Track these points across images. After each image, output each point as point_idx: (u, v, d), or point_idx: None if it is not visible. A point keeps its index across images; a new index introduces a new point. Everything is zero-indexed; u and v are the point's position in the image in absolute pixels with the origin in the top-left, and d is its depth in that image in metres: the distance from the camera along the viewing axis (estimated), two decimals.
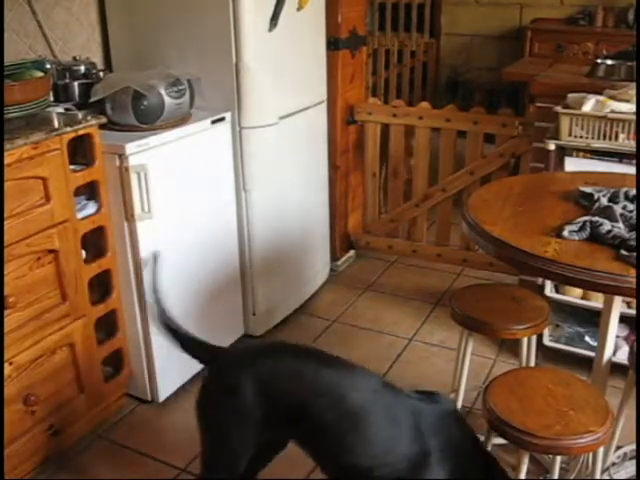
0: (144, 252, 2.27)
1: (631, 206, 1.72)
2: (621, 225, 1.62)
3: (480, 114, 3.16)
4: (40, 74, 2.10)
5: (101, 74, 2.41)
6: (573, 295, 2.61)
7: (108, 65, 2.71)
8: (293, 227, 2.98)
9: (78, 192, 2.10)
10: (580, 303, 2.61)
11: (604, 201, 1.74)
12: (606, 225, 1.60)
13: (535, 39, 4.77)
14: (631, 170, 2.22)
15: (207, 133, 2.45)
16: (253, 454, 1.69)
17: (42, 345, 2.05)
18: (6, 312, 1.90)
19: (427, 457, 1.59)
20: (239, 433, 1.65)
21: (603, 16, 4.67)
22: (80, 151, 2.11)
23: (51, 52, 2.51)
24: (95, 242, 2.21)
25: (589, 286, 1.54)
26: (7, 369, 1.94)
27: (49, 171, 1.95)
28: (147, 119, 2.26)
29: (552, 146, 2.42)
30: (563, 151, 2.43)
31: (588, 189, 1.83)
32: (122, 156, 2.14)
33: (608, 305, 1.87)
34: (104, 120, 2.15)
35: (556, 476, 1.89)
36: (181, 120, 2.36)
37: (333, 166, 3.29)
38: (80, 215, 2.11)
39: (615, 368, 2.05)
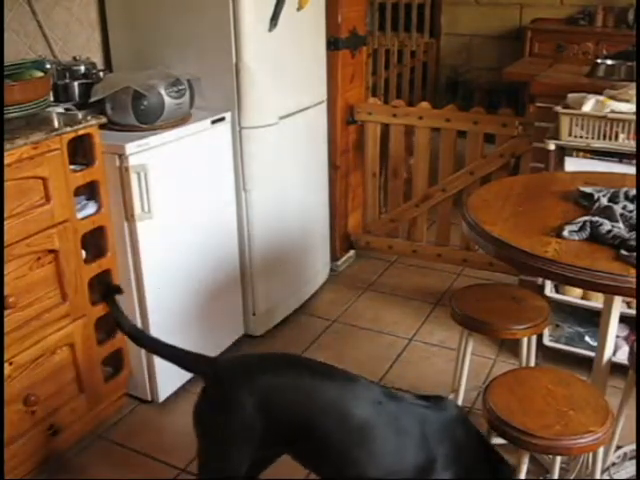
0: (144, 252, 2.27)
1: (631, 206, 1.72)
2: (621, 225, 1.62)
3: (480, 114, 3.16)
4: (40, 74, 2.10)
5: (101, 74, 2.41)
6: (573, 295, 2.61)
7: (108, 65, 2.71)
8: (293, 227, 2.98)
9: (78, 192, 2.10)
10: (580, 303, 2.61)
11: (604, 201, 1.74)
12: (606, 225, 1.60)
13: (535, 39, 4.77)
14: (631, 170, 2.22)
15: (207, 133, 2.45)
16: (250, 464, 1.67)
17: (42, 345, 2.05)
18: (6, 312, 1.90)
19: (433, 464, 1.59)
20: (238, 449, 1.62)
21: (603, 16, 4.66)
22: (80, 151, 2.11)
23: (51, 52, 2.51)
24: (95, 242, 2.21)
25: (589, 286, 1.54)
26: (7, 369, 1.94)
27: (49, 171, 1.95)
28: (147, 119, 2.26)
29: (552, 146, 2.42)
30: (563, 151, 2.43)
31: (588, 189, 1.83)
32: (122, 156, 2.14)
33: (608, 305, 1.87)
34: (104, 120, 2.15)
35: (556, 476, 1.89)
36: (181, 120, 2.36)
37: (333, 166, 3.29)
38: (80, 215, 2.11)
39: (615, 368, 2.04)
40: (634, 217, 1.65)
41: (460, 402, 2.17)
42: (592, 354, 2.19)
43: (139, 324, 2.36)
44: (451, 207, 3.32)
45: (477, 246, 1.93)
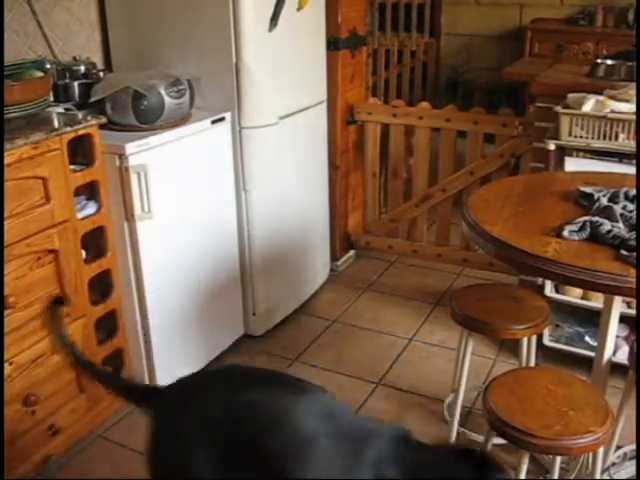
0: (144, 252, 2.27)
1: (631, 206, 1.72)
2: (621, 225, 1.62)
3: (480, 114, 3.16)
4: (40, 74, 2.10)
5: (101, 74, 2.41)
6: (573, 295, 2.61)
7: (108, 65, 2.71)
8: (293, 227, 2.98)
9: (78, 192, 2.10)
10: (580, 303, 2.61)
11: (604, 201, 1.74)
12: (606, 225, 1.60)
13: (535, 39, 4.77)
14: (631, 170, 2.22)
15: (207, 133, 2.45)
16: None
17: (42, 345, 2.04)
18: (6, 312, 1.90)
19: None
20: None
21: (603, 16, 4.66)
22: (80, 151, 2.10)
23: (51, 52, 2.51)
24: (95, 242, 2.21)
25: (589, 286, 1.54)
26: (7, 369, 1.94)
27: (49, 171, 1.95)
28: (147, 119, 2.26)
29: (552, 146, 2.42)
30: (563, 151, 2.43)
31: (588, 189, 1.83)
32: (122, 156, 2.14)
33: (608, 305, 1.87)
34: (104, 120, 2.15)
35: (556, 476, 1.89)
36: (181, 120, 2.36)
37: (333, 166, 3.29)
38: (80, 215, 2.11)
39: (615, 368, 2.05)
40: (634, 217, 1.66)
41: (460, 402, 2.17)
42: (592, 354, 2.19)
43: (139, 324, 2.37)
44: (451, 207, 3.32)
45: (477, 246, 1.93)
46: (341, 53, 3.14)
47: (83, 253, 2.15)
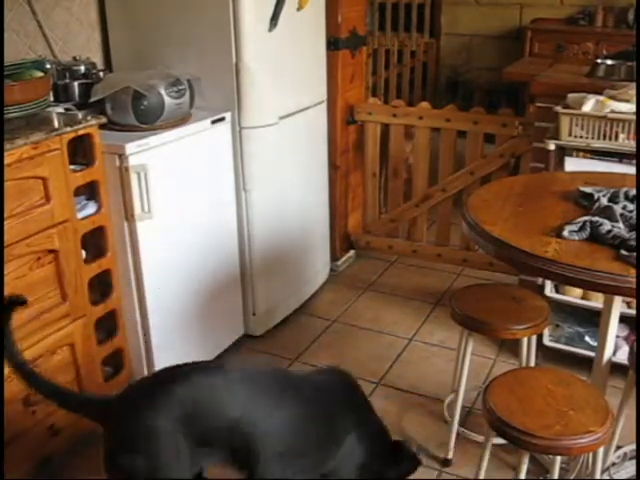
0: (144, 252, 2.27)
1: (631, 206, 1.72)
2: (621, 225, 1.62)
3: (480, 114, 3.16)
4: (40, 74, 2.10)
5: (101, 74, 2.41)
6: (573, 295, 2.61)
7: (108, 65, 2.71)
8: (293, 227, 2.98)
9: (78, 192, 2.10)
10: (580, 303, 2.61)
11: (604, 201, 1.74)
12: (606, 225, 1.60)
13: (535, 39, 4.77)
14: (631, 170, 2.22)
15: (207, 133, 2.45)
16: None
17: (42, 345, 2.04)
18: None
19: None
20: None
21: (603, 16, 4.66)
22: (80, 151, 2.10)
23: (51, 52, 2.51)
24: (95, 242, 2.20)
25: (589, 286, 1.54)
26: (7, 369, 1.94)
27: (49, 171, 1.95)
28: (147, 119, 2.26)
29: (552, 146, 2.42)
30: (563, 151, 2.43)
31: (588, 189, 1.83)
32: (122, 156, 2.14)
33: (608, 305, 1.87)
34: (104, 120, 2.14)
35: (556, 476, 1.89)
36: (181, 120, 2.36)
37: (333, 166, 3.29)
38: (80, 215, 2.11)
39: (615, 368, 2.05)
40: (634, 217, 1.66)
41: (460, 402, 2.17)
42: (592, 354, 2.19)
43: (139, 324, 2.37)
44: (451, 207, 3.32)
45: (477, 246, 1.93)
46: (341, 53, 3.14)
47: (83, 253, 2.15)
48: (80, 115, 2.11)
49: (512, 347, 2.65)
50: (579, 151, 2.40)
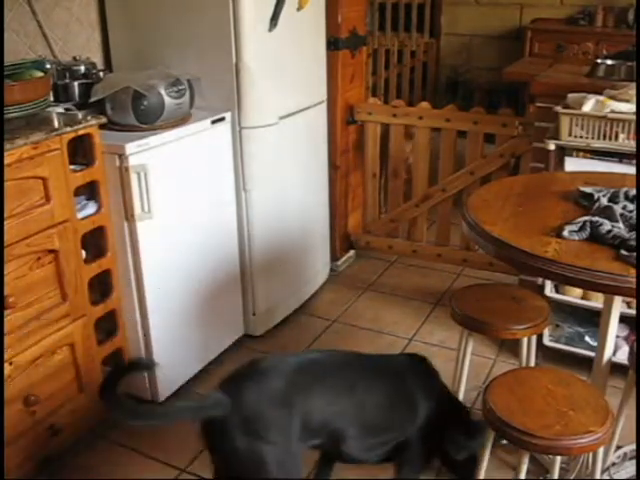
0: (144, 252, 2.27)
1: (631, 206, 1.72)
2: (621, 225, 1.62)
3: (480, 114, 3.16)
4: (40, 74, 2.10)
5: (101, 74, 2.41)
6: (573, 295, 2.61)
7: (108, 65, 2.71)
8: (293, 227, 2.98)
9: (78, 192, 2.10)
10: (580, 303, 2.61)
11: (604, 201, 1.74)
12: (606, 225, 1.60)
13: (535, 39, 4.77)
14: (631, 170, 2.22)
15: (207, 133, 2.45)
16: None
17: (42, 345, 2.04)
18: (6, 312, 1.90)
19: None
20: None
21: (603, 16, 4.66)
22: (80, 151, 2.11)
23: (51, 52, 2.51)
24: (95, 242, 2.21)
25: (589, 286, 1.54)
26: (7, 369, 1.94)
27: (49, 171, 1.95)
28: (147, 119, 2.26)
29: (552, 146, 2.42)
30: (563, 151, 2.43)
31: (588, 189, 1.83)
32: (122, 156, 2.14)
33: (608, 305, 1.87)
34: (104, 120, 2.15)
35: (556, 476, 1.89)
36: (181, 120, 2.36)
37: (333, 166, 3.29)
38: (80, 215, 2.11)
39: (615, 368, 2.04)
40: (634, 217, 1.65)
41: None
42: (592, 354, 2.19)
43: (139, 324, 2.37)
44: (451, 207, 3.32)
45: (477, 246, 1.93)
46: (341, 53, 3.14)
47: (83, 253, 2.15)
48: (80, 115, 2.11)
49: (512, 347, 2.65)
50: (579, 151, 2.40)
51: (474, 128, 3.14)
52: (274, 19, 2.54)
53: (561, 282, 2.31)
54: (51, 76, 2.22)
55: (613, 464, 2.10)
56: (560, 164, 2.44)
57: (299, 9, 2.71)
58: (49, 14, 2.49)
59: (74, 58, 2.45)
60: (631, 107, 2.27)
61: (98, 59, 2.68)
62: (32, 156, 1.89)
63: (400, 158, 3.42)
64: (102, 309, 2.25)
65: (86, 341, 2.19)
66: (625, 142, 2.30)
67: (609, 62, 2.70)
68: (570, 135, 2.37)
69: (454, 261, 3.39)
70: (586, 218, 1.64)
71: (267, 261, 2.83)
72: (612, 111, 2.28)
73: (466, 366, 2.15)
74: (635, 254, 1.49)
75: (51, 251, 2.02)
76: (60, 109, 2.18)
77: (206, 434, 1.63)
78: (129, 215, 2.21)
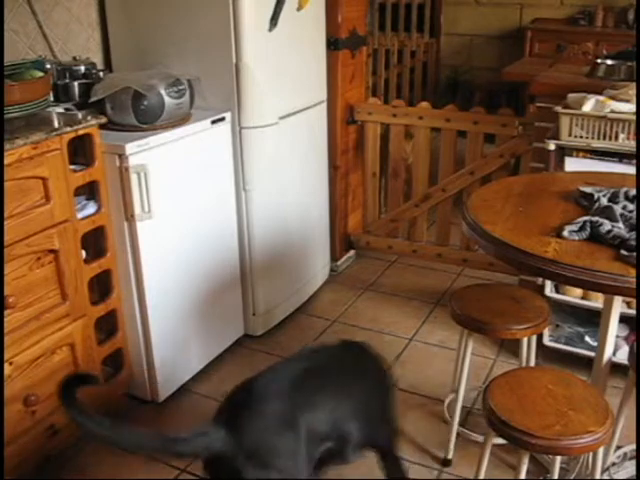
0: (144, 252, 2.27)
1: (631, 206, 1.72)
2: (621, 225, 1.62)
3: (480, 114, 3.16)
4: (40, 74, 2.10)
5: (101, 74, 2.41)
6: (573, 295, 2.61)
7: (108, 65, 2.71)
8: (293, 227, 2.98)
9: (78, 192, 2.10)
10: (580, 303, 2.61)
11: (604, 201, 1.74)
12: (606, 225, 1.60)
13: (535, 39, 4.78)
14: (631, 170, 2.22)
15: (207, 133, 2.45)
16: None
17: (42, 345, 2.04)
18: (6, 312, 1.90)
19: None
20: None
21: (603, 16, 4.67)
22: (80, 151, 2.11)
23: (51, 52, 2.51)
24: (95, 242, 2.21)
25: (589, 286, 1.54)
26: (7, 369, 1.94)
27: (49, 171, 1.95)
28: (147, 119, 2.26)
29: (552, 146, 2.42)
30: (563, 151, 2.43)
31: (588, 189, 1.83)
32: (122, 156, 2.14)
33: (608, 305, 1.87)
34: (104, 120, 2.15)
35: (556, 476, 1.89)
36: (181, 120, 2.36)
37: (333, 166, 3.29)
38: (80, 215, 2.11)
39: (615, 368, 2.05)
40: (634, 217, 1.65)
41: (460, 402, 2.17)
42: (592, 354, 2.19)
43: (139, 324, 2.37)
44: (451, 207, 3.32)
45: (477, 246, 1.93)
46: (341, 53, 3.14)
47: (83, 253, 2.15)
48: (80, 115, 2.11)
49: (512, 347, 2.64)
50: (579, 151, 2.40)
51: (474, 128, 3.14)
52: (274, 19, 2.54)
53: (561, 282, 2.32)
54: (51, 76, 2.22)
55: (613, 464, 2.10)
56: (560, 164, 2.44)
57: (299, 9, 2.71)
58: (49, 14, 2.49)
59: (74, 58, 2.46)
60: (631, 107, 2.27)
61: (98, 59, 2.68)
62: (32, 156, 1.89)
63: (400, 158, 3.42)
64: (102, 309, 2.25)
65: (86, 341, 2.19)
66: (625, 142, 2.30)
67: (609, 62, 2.70)
68: (570, 135, 2.37)
69: (454, 261, 3.39)
70: (586, 218, 1.64)
71: (267, 261, 2.83)
72: (612, 111, 2.28)
73: (466, 366, 2.15)
74: (635, 254, 1.49)
75: (51, 251, 2.02)
76: (60, 109, 2.18)
77: (211, 471, 1.54)
78: (129, 215, 2.21)
